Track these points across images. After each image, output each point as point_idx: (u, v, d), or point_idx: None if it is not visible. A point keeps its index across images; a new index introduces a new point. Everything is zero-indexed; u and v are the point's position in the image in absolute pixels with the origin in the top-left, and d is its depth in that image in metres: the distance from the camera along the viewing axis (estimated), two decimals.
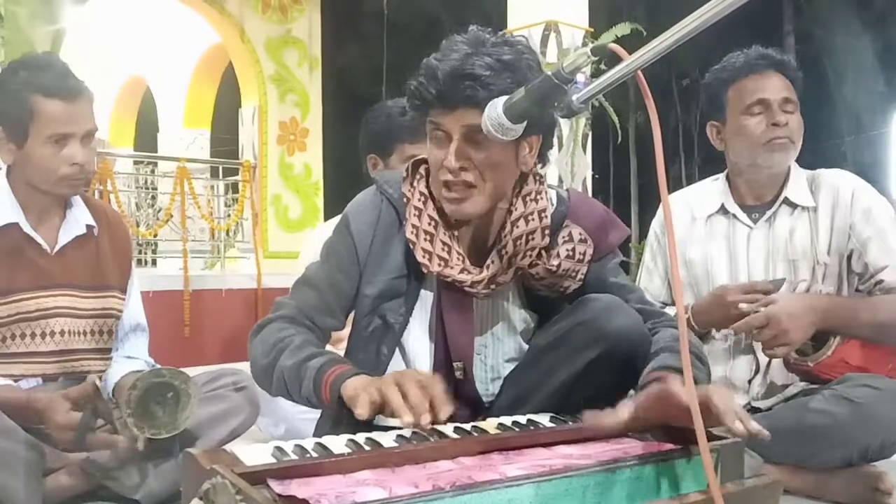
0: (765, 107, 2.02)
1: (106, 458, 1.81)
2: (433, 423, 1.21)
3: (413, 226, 1.52)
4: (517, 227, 1.51)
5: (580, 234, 1.54)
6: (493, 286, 1.52)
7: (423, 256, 1.50)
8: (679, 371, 1.26)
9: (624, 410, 1.24)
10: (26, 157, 1.87)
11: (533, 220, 1.51)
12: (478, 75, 1.37)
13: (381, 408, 1.25)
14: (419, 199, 1.54)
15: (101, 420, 1.75)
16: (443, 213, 1.52)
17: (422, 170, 1.57)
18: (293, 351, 1.44)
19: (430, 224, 1.52)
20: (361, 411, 1.23)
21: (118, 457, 1.79)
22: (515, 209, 1.52)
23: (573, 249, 1.52)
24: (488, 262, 1.52)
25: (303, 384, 1.39)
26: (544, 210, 1.53)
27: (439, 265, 1.50)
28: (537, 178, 1.55)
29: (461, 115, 1.42)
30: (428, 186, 1.55)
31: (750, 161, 2.05)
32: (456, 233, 1.54)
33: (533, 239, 1.51)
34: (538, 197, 1.53)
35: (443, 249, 1.51)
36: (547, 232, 1.52)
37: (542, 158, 1.55)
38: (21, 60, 1.93)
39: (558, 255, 1.52)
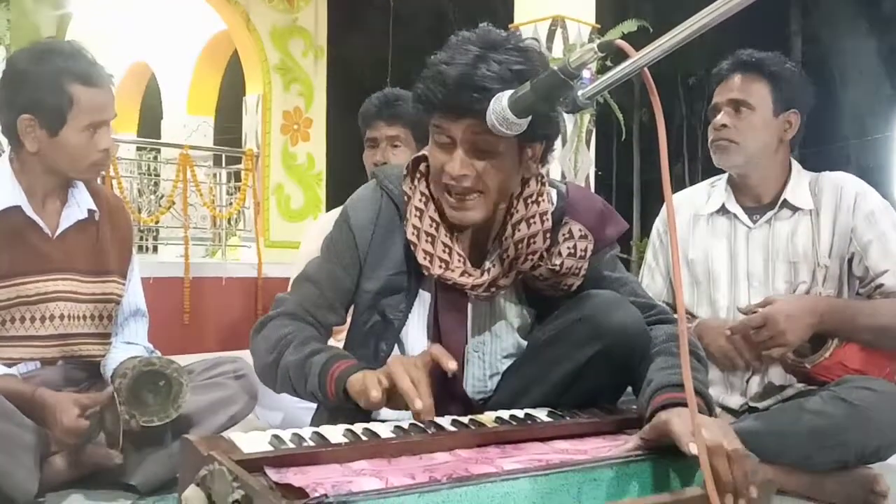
0: (717, 110, 2.08)
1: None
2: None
3: (414, 227, 1.51)
4: (518, 230, 1.49)
5: (580, 230, 1.52)
6: (493, 289, 1.52)
7: (425, 259, 1.49)
8: (678, 387, 1.27)
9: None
10: (59, 144, 1.86)
11: (534, 223, 1.49)
12: (488, 87, 1.33)
13: (390, 394, 1.27)
14: (420, 200, 1.52)
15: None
16: (444, 214, 1.51)
17: (422, 167, 1.54)
18: (296, 347, 1.45)
19: (431, 226, 1.50)
20: (376, 394, 1.24)
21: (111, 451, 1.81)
22: (517, 211, 1.50)
23: (574, 247, 1.51)
24: (488, 265, 1.51)
25: (308, 380, 1.40)
26: (546, 213, 1.51)
27: (440, 267, 1.49)
28: (539, 178, 1.52)
29: (468, 124, 1.39)
30: (429, 186, 1.53)
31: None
32: (457, 234, 1.53)
33: (534, 242, 1.49)
34: (539, 199, 1.51)
35: (444, 251, 1.50)
36: (548, 235, 1.50)
37: (544, 160, 1.52)
38: (47, 47, 1.90)
39: (560, 253, 1.50)
